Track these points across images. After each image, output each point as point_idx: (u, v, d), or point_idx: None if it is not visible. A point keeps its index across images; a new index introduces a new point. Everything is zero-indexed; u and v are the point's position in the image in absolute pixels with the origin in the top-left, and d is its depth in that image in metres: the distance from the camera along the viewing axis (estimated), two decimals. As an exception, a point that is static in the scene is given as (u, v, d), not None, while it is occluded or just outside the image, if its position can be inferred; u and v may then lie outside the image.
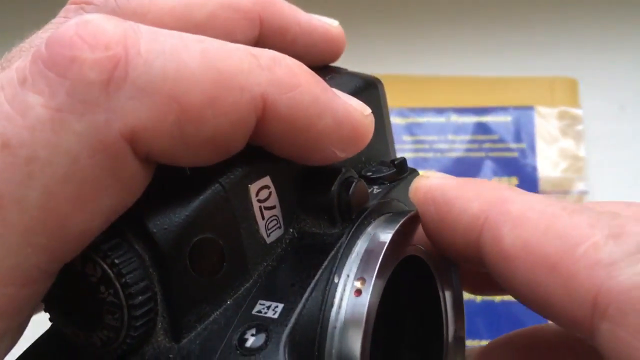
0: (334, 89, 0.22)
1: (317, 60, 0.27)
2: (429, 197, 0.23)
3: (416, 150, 0.67)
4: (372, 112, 0.23)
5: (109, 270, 0.19)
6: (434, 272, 0.25)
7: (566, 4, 0.75)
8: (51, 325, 0.22)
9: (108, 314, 0.19)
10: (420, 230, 0.24)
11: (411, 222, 0.23)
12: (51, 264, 0.19)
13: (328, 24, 0.27)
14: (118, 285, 0.19)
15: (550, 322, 0.22)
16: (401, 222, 0.23)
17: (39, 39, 0.23)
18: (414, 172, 0.27)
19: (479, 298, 0.61)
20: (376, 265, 0.21)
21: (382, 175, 0.26)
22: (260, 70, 0.20)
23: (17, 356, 0.22)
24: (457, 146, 0.67)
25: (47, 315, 0.22)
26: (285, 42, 0.26)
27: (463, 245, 0.22)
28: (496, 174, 0.66)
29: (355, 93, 0.25)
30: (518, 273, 0.20)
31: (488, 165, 0.66)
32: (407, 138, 0.68)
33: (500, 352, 0.29)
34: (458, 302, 0.26)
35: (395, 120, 0.69)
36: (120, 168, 0.18)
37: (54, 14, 0.25)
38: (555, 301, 0.19)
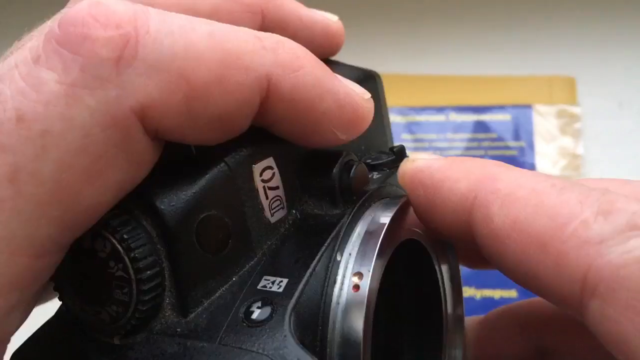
0: (335, 74, 0.23)
1: (316, 54, 0.27)
2: (417, 180, 0.23)
3: (416, 149, 0.68)
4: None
5: (118, 245, 0.20)
6: (431, 253, 0.26)
7: (563, 3, 0.75)
8: (56, 312, 0.23)
9: (117, 288, 0.20)
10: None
11: (407, 206, 0.24)
12: (63, 236, 0.19)
13: (328, 19, 0.28)
14: (127, 260, 0.20)
15: None
16: (398, 206, 0.23)
17: (46, 25, 0.24)
18: None
19: (478, 295, 0.61)
20: (376, 247, 0.22)
21: (381, 162, 0.26)
22: (264, 51, 0.21)
23: (23, 340, 0.22)
24: (457, 144, 0.68)
25: (49, 309, 0.23)
26: (286, 34, 0.26)
27: (454, 225, 0.22)
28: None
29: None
30: (509, 252, 0.20)
31: (487, 163, 0.67)
32: (406, 137, 0.68)
33: (500, 321, 0.29)
34: (456, 281, 0.27)
35: (395, 118, 0.69)
36: (130, 143, 0.19)
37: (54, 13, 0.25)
38: (545, 280, 0.19)
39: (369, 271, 0.21)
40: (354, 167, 0.24)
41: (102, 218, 0.20)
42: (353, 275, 0.22)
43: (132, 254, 0.20)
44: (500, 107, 0.69)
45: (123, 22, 0.19)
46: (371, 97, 0.24)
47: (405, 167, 0.24)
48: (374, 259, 0.22)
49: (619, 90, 0.70)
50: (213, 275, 0.21)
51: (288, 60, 0.21)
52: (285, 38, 0.22)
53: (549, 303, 0.21)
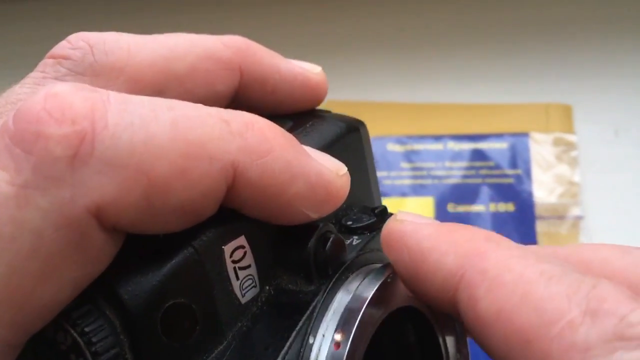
0: (308, 149, 0.22)
1: (298, 107, 0.27)
2: (403, 244, 0.22)
3: (414, 177, 0.68)
4: (353, 157, 0.23)
5: (79, 339, 0.19)
6: (431, 319, 0.24)
7: (560, 32, 0.76)
8: None
9: None
10: None
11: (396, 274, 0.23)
12: (18, 337, 0.18)
13: (309, 71, 0.27)
14: (88, 354, 0.19)
15: None
16: (383, 276, 0.22)
17: (15, 95, 0.23)
18: None
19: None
20: (354, 324, 0.21)
21: (362, 225, 0.25)
22: (231, 137, 0.20)
23: None
24: (454, 172, 0.69)
25: None
26: (266, 91, 0.26)
27: (441, 298, 0.21)
28: (493, 199, 0.67)
29: (336, 140, 0.25)
30: (493, 340, 0.19)
31: (485, 191, 0.67)
32: (405, 165, 0.69)
33: None
34: (462, 347, 0.25)
35: (393, 147, 0.70)
36: (86, 241, 0.18)
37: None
38: None
39: (348, 341, 0.20)
40: (330, 240, 0.23)
41: (65, 308, 0.19)
42: (336, 334, 0.21)
43: (93, 348, 0.19)
44: (497, 136, 0.70)
45: (79, 117, 0.18)
46: (353, 155, 0.23)
47: (391, 227, 0.22)
48: (353, 333, 0.20)
49: (615, 118, 0.71)
50: None
51: (256, 144, 0.20)
52: (255, 117, 0.21)
53: None
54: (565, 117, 0.71)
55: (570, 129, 0.70)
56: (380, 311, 0.22)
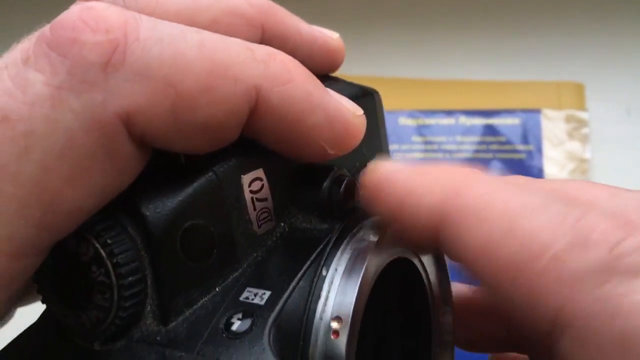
0: (327, 88, 0.23)
1: (316, 70, 0.27)
2: (380, 194, 0.22)
3: (425, 151, 0.69)
4: (367, 120, 0.24)
5: (101, 250, 0.19)
6: (421, 272, 0.25)
7: (573, 10, 0.76)
8: (41, 315, 0.22)
9: (98, 293, 0.20)
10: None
11: None
12: (43, 239, 0.19)
13: (328, 36, 0.28)
14: (109, 265, 0.19)
15: None
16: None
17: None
18: None
19: None
20: (364, 263, 0.21)
21: None
22: (255, 63, 0.21)
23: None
24: (466, 147, 0.69)
25: (34, 311, 0.23)
26: (286, 50, 0.25)
27: (424, 241, 0.21)
28: (503, 174, 0.67)
29: (351, 99, 0.25)
30: (480, 275, 0.19)
31: (496, 166, 0.68)
32: (416, 139, 0.70)
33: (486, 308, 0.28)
34: (447, 292, 0.27)
35: (405, 121, 0.70)
36: (115, 148, 0.19)
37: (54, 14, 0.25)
38: (517, 311, 0.19)
39: (354, 293, 0.21)
40: (345, 182, 0.23)
41: (87, 221, 0.20)
42: (342, 277, 0.21)
43: (115, 260, 0.19)
44: (509, 112, 0.70)
45: (113, 28, 0.19)
46: (364, 114, 0.23)
47: (367, 180, 0.22)
48: (360, 278, 0.21)
49: (627, 96, 0.71)
50: (196, 284, 0.21)
51: (278, 72, 0.21)
52: (278, 50, 0.22)
53: None
54: (577, 95, 0.71)
55: (582, 107, 0.71)
56: (383, 257, 0.23)
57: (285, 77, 0.21)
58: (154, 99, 0.19)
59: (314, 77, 0.22)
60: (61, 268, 0.20)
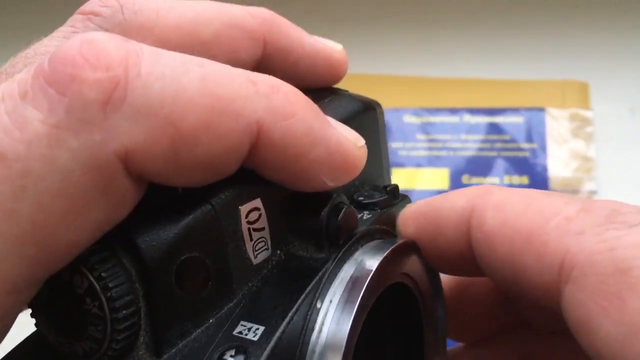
0: (329, 118, 0.22)
1: (318, 82, 0.27)
2: (419, 214, 0.25)
3: (430, 149, 0.69)
4: (368, 135, 0.24)
5: (96, 284, 0.19)
6: (419, 300, 0.25)
7: (577, 9, 0.77)
8: (35, 331, 0.22)
9: (92, 325, 0.20)
10: (408, 258, 0.24)
11: (400, 250, 0.23)
12: (38, 275, 0.19)
13: (331, 48, 0.27)
14: (103, 299, 0.19)
15: None
16: (390, 249, 0.23)
17: (44, 47, 0.23)
18: (405, 199, 0.27)
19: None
20: (360, 292, 0.21)
21: (373, 200, 0.26)
22: (257, 97, 0.20)
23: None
24: (470, 145, 0.70)
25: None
26: (288, 63, 0.26)
27: (456, 242, 0.23)
28: (507, 172, 0.68)
29: (352, 116, 0.25)
30: (497, 249, 0.22)
31: (500, 164, 0.68)
32: (421, 137, 0.70)
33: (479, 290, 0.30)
34: (441, 332, 0.27)
35: (409, 119, 0.71)
36: (112, 186, 0.19)
37: (55, 15, 0.24)
38: (527, 269, 0.21)
39: (349, 323, 0.21)
40: (343, 210, 0.23)
41: (83, 253, 0.19)
42: (338, 306, 0.22)
43: (109, 293, 0.19)
44: (514, 110, 0.71)
45: (114, 64, 0.18)
46: (368, 134, 0.23)
47: (405, 210, 0.26)
48: (357, 304, 0.21)
49: (631, 95, 0.72)
50: (190, 316, 0.21)
51: (281, 106, 0.21)
52: (281, 81, 0.22)
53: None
54: (581, 94, 0.72)
55: (586, 105, 0.71)
56: (381, 283, 0.23)
57: (287, 111, 0.21)
58: (154, 137, 0.19)
59: (317, 109, 0.22)
60: (55, 298, 0.20)
